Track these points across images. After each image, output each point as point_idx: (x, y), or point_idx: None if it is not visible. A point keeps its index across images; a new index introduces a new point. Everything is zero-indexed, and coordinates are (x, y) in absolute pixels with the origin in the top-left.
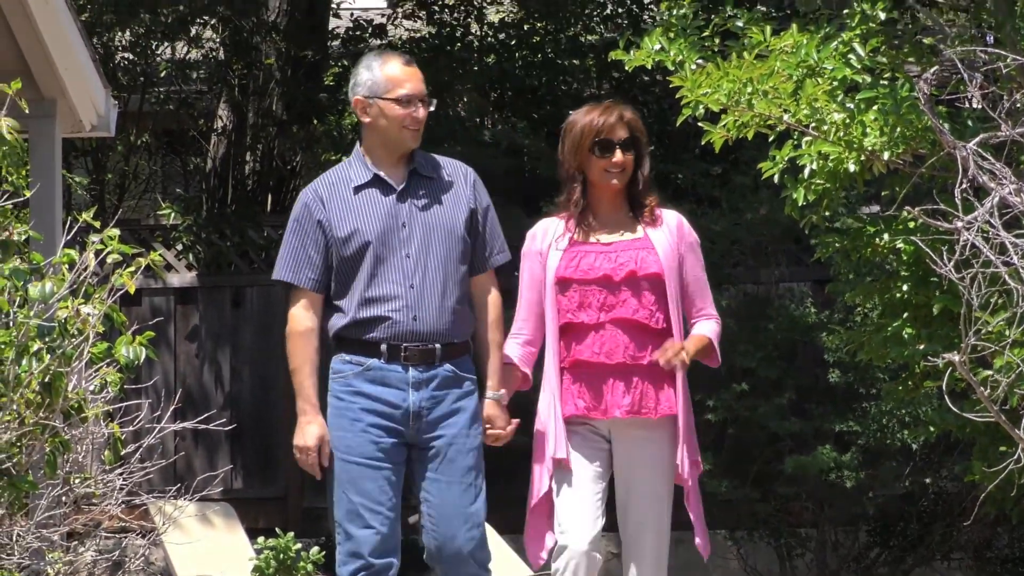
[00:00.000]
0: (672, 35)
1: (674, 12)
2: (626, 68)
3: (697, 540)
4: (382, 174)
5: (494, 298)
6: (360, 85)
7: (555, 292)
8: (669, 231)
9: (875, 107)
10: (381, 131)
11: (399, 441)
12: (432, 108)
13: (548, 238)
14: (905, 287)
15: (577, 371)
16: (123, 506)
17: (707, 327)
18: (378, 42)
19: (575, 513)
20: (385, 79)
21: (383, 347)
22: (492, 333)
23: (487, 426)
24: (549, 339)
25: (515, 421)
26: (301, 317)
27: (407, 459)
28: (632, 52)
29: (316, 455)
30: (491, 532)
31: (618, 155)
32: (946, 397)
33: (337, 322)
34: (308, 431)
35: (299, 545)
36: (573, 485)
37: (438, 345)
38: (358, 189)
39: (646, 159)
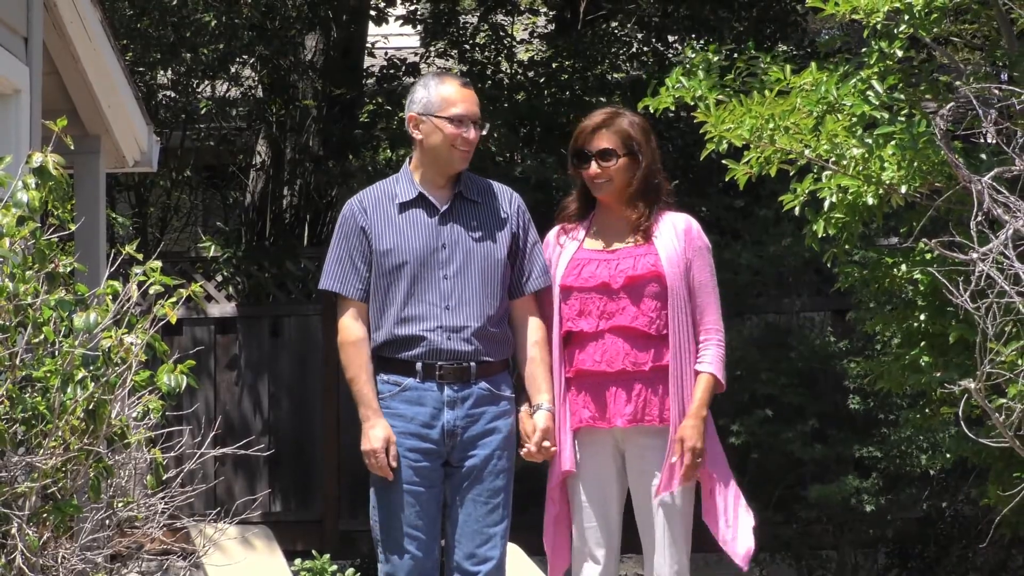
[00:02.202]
0: (692, 74)
1: (699, 56)
2: (651, 111)
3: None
4: (427, 193)
5: (536, 320)
6: (415, 102)
7: (559, 300)
8: (676, 235)
9: (893, 142)
10: (431, 149)
11: (436, 462)
12: (484, 132)
13: (555, 245)
14: (922, 316)
15: (580, 381)
16: (165, 529)
17: (708, 361)
18: (411, 80)
19: (592, 535)
20: (440, 98)
21: (418, 366)
22: (538, 351)
23: (543, 441)
24: (553, 349)
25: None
26: (351, 327)
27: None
28: (658, 96)
29: (385, 456)
30: (519, 553)
31: (592, 167)
32: (962, 423)
33: (375, 339)
34: (373, 435)
35: (335, 567)
36: (589, 506)
37: (473, 363)
38: (403, 207)
39: (641, 164)
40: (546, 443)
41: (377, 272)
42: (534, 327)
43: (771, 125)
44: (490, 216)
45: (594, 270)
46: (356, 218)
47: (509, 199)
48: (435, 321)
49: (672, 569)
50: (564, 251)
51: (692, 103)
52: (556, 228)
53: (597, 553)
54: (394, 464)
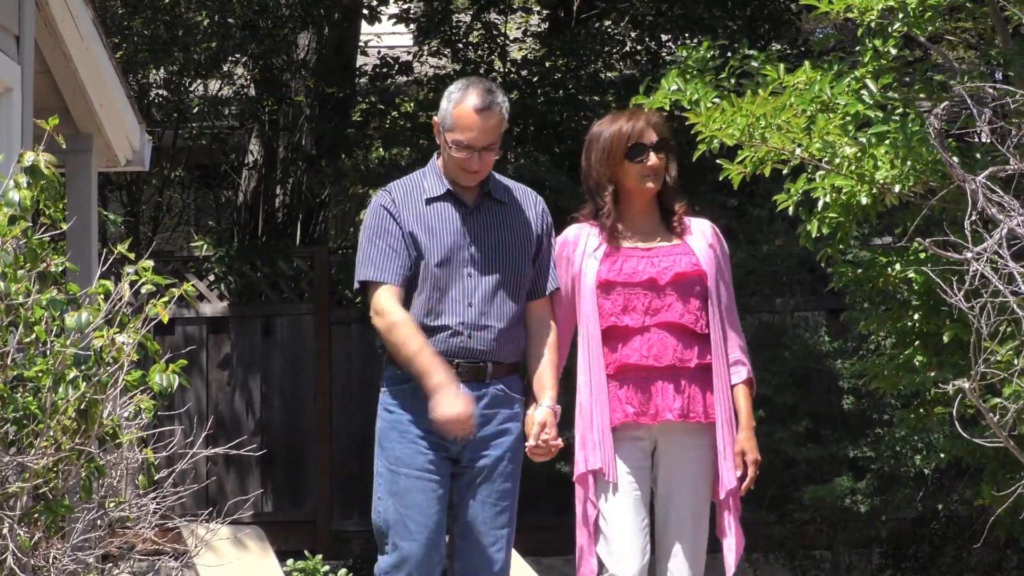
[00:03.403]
0: (689, 76)
1: (692, 55)
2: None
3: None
4: (455, 190)
5: (552, 322)
6: (441, 109)
7: (597, 296)
8: (704, 236)
9: (887, 141)
10: (447, 155)
11: (445, 457)
12: (496, 156)
13: (582, 244)
14: (916, 316)
15: (623, 375)
16: (156, 529)
17: (745, 365)
18: (404, 79)
19: (625, 541)
20: (453, 117)
21: None
22: (549, 352)
23: (542, 433)
24: (589, 345)
25: (561, 442)
26: (395, 310)
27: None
28: (651, 95)
29: (471, 418)
30: (513, 553)
31: (652, 158)
32: (956, 423)
33: None
34: (457, 401)
35: (327, 567)
36: (621, 510)
37: (490, 364)
38: (430, 201)
39: (673, 162)
40: (544, 436)
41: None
42: (550, 329)
43: (762, 124)
44: (516, 217)
45: (636, 266)
46: (388, 208)
47: (534, 201)
48: (457, 317)
49: (699, 572)
50: (594, 248)
51: (688, 106)
52: (573, 228)
53: (630, 551)
54: (476, 431)
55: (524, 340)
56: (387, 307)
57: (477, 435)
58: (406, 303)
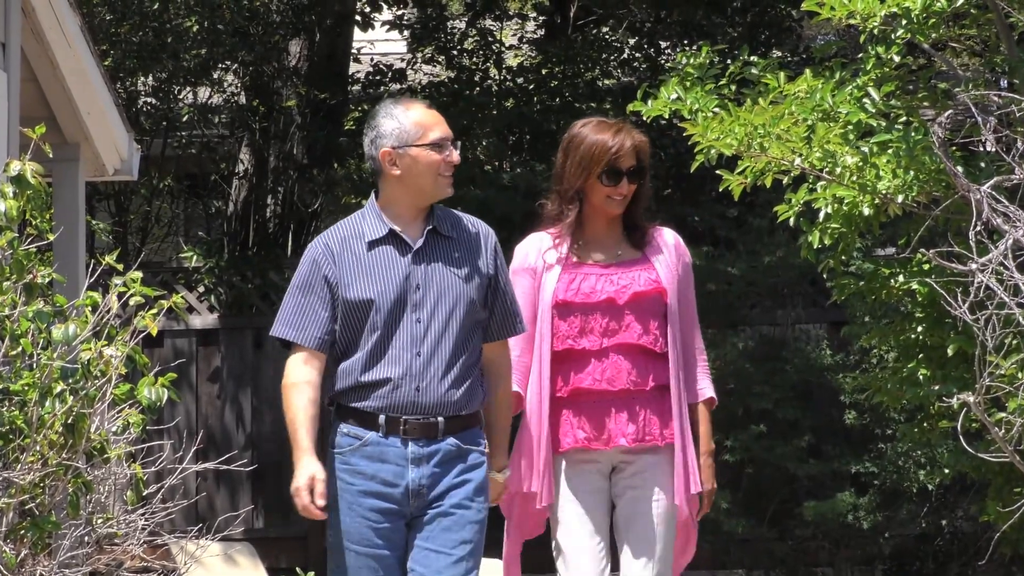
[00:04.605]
0: (688, 84)
1: (692, 61)
2: (644, 117)
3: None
4: (398, 230)
5: (504, 372)
6: (386, 136)
7: (552, 316)
8: (667, 249)
9: (889, 151)
10: (414, 181)
11: (399, 523)
12: (457, 151)
13: (540, 255)
14: (920, 328)
15: (576, 400)
16: (145, 546)
17: (705, 385)
18: (398, 86)
19: (582, 566)
20: (414, 125)
21: (381, 419)
22: (501, 417)
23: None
24: (540, 367)
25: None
26: (298, 371)
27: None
28: (650, 102)
29: (309, 495)
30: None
31: (624, 186)
32: (961, 438)
33: (338, 386)
34: (298, 473)
35: None
36: (577, 535)
37: (441, 418)
38: (372, 245)
39: (647, 184)
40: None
41: (344, 316)
42: (502, 380)
43: (761, 133)
44: (465, 253)
45: (594, 285)
46: (320, 264)
47: (485, 236)
48: (403, 368)
49: None
50: (552, 265)
51: (689, 116)
52: (534, 239)
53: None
54: (320, 503)
55: (482, 389)
56: (292, 366)
57: (430, 495)
58: (348, 353)
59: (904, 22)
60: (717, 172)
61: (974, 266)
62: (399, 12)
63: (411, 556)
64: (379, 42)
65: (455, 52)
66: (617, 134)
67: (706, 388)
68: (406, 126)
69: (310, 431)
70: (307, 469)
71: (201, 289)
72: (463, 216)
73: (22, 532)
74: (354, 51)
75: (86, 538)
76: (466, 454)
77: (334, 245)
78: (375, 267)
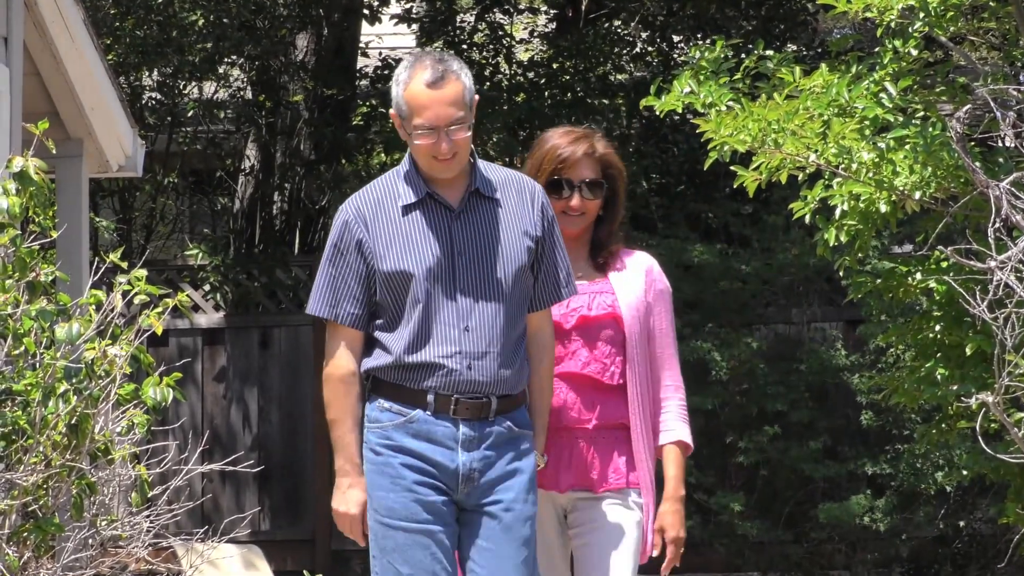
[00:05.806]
0: (702, 78)
1: (705, 55)
2: (657, 112)
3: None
4: (437, 192)
5: (548, 343)
6: (393, 99)
7: None
8: (636, 274)
9: (906, 146)
10: (415, 155)
11: (448, 499)
12: (468, 133)
13: None
14: (938, 327)
15: None
16: (150, 548)
17: (673, 427)
18: None
19: None
20: (406, 101)
21: (430, 397)
22: (544, 396)
23: None
24: None
25: None
26: (342, 359)
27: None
28: (663, 96)
29: (360, 524)
30: None
31: (575, 200)
32: (979, 438)
33: (377, 362)
34: (350, 496)
35: None
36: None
37: (494, 397)
38: (407, 209)
39: (620, 202)
40: None
41: (382, 289)
42: (546, 352)
43: (775, 129)
44: (511, 215)
45: None
46: (352, 229)
47: (532, 194)
48: (453, 345)
49: None
50: None
51: (703, 110)
52: None
53: None
54: (367, 532)
55: (528, 365)
56: (334, 355)
57: (483, 480)
58: (388, 330)
59: (922, 15)
60: (731, 168)
61: (993, 264)
62: (407, 5)
63: (470, 555)
64: (387, 36)
65: (464, 46)
66: (575, 140)
67: (676, 430)
68: (400, 98)
69: (358, 439)
70: (359, 495)
71: (207, 287)
72: (507, 173)
73: (25, 534)
74: (362, 45)
75: (90, 540)
76: (518, 438)
77: (366, 210)
78: (412, 234)
